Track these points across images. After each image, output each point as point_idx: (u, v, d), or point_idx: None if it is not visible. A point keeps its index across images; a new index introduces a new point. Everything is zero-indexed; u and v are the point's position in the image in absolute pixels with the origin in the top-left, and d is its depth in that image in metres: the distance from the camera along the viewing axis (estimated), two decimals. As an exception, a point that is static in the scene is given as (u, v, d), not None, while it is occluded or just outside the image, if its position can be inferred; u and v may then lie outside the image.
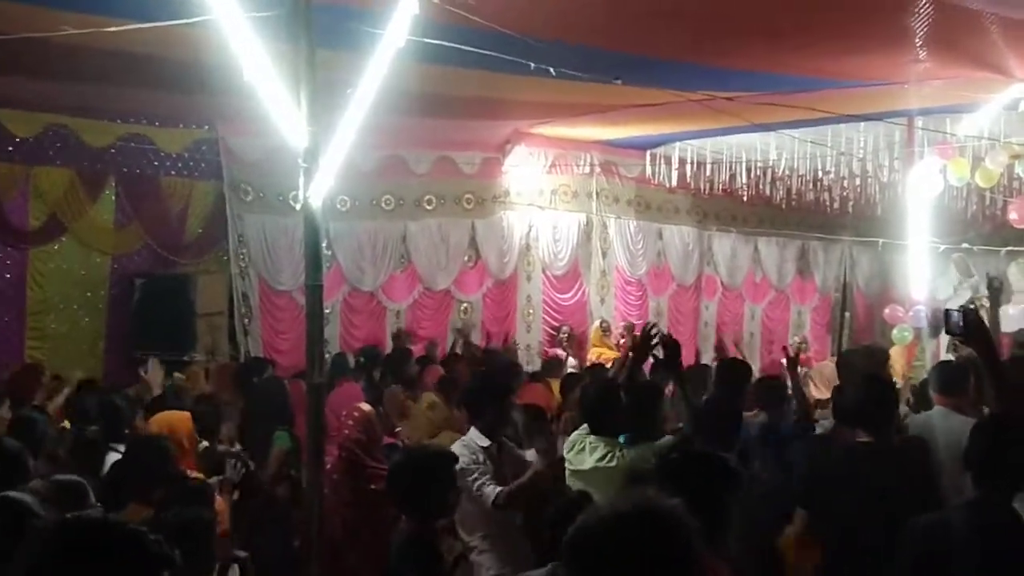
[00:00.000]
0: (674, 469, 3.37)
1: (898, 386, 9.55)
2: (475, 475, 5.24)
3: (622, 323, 14.58)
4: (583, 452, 5.33)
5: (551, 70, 7.73)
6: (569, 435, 5.85)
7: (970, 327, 4.22)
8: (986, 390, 4.72)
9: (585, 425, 5.56)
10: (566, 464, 5.38)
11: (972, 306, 5.05)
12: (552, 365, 11.24)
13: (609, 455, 5.22)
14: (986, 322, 4.44)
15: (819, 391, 8.80)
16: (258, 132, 9.34)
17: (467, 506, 5.14)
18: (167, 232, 11.12)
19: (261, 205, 11.42)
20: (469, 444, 5.40)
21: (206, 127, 11.12)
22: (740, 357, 11.73)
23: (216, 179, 11.27)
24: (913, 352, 12.42)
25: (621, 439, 5.32)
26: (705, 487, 3.13)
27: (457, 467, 4.78)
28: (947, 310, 4.39)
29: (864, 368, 7.11)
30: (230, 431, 7.28)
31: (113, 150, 10.66)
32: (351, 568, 5.71)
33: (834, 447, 5.38)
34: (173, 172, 11.13)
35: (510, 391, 6.08)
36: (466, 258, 13.59)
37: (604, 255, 15.17)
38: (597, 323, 14.27)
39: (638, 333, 12.33)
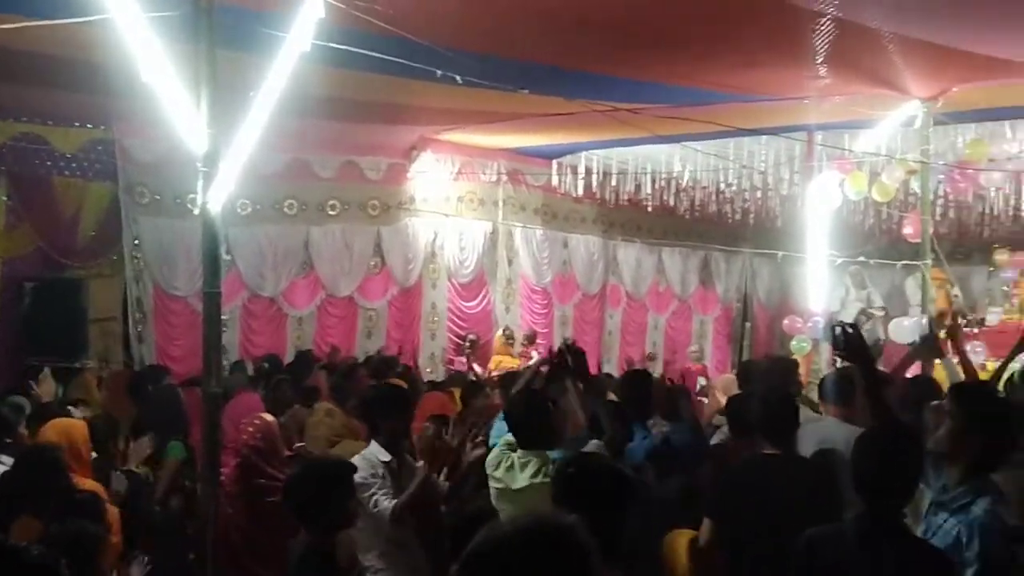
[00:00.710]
0: (570, 482, 3.34)
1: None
2: (372, 490, 5.12)
3: (525, 332, 14.62)
4: (512, 470, 5.12)
5: (457, 78, 7.68)
6: (473, 442, 5.80)
7: (850, 344, 4.35)
8: (859, 404, 4.85)
9: (506, 440, 5.43)
10: (491, 483, 5.23)
11: (854, 322, 5.22)
12: (455, 380, 11.18)
13: (542, 470, 5.02)
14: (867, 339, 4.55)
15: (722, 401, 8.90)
16: (156, 133, 9.10)
17: (362, 523, 5.03)
18: (59, 234, 10.76)
19: (157, 208, 11.12)
20: (369, 458, 5.28)
21: (102, 127, 10.80)
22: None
23: (111, 180, 10.94)
24: (810, 362, 12.68)
25: (552, 454, 5.19)
26: (602, 499, 3.10)
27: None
28: (832, 326, 4.49)
29: (769, 379, 7.20)
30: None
31: (4, 149, 10.28)
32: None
33: (746, 457, 5.41)
34: (67, 172, 10.78)
35: (409, 405, 5.98)
36: (371, 264, 13.46)
37: (510, 263, 15.18)
38: (500, 331, 14.29)
39: (540, 342, 12.35)
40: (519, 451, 5.16)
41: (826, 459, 5.20)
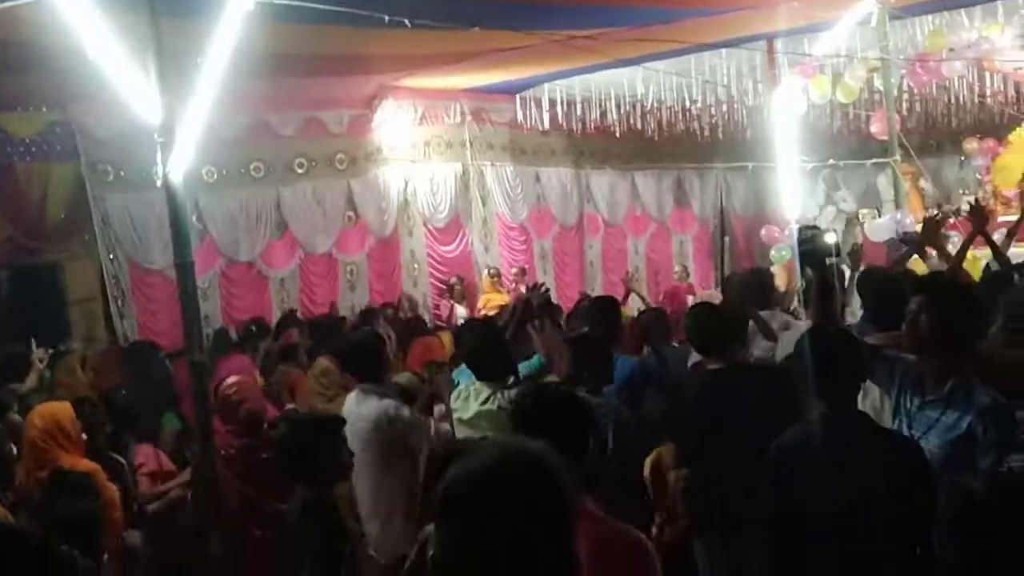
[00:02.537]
0: (528, 411, 3.36)
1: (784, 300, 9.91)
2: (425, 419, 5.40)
3: (513, 269, 14.64)
4: (468, 400, 5.33)
5: (406, 22, 7.60)
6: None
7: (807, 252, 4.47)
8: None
9: (465, 371, 5.61)
10: (453, 415, 5.37)
11: (815, 226, 5.31)
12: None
13: (491, 398, 5.22)
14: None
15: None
16: (111, 110, 8.96)
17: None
18: (27, 220, 10.61)
19: (123, 184, 10.98)
20: (389, 394, 5.46)
21: (57, 109, 10.65)
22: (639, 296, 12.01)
23: (74, 161, 10.79)
24: (790, 270, 12.73)
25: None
26: (562, 427, 3.09)
27: (407, 417, 5.10)
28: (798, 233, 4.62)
29: (746, 292, 7.26)
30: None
31: (-39, 141, 10.16)
32: (256, 540, 5.62)
33: (697, 375, 5.53)
34: (28, 158, 10.60)
35: (383, 347, 6.04)
36: (345, 218, 13.41)
37: (484, 203, 15.12)
38: (486, 272, 14.29)
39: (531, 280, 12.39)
40: (477, 383, 5.31)
41: (777, 368, 5.34)
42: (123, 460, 5.96)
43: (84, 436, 5.62)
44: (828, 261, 4.80)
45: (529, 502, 1.85)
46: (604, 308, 6.88)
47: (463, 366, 5.99)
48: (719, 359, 5.11)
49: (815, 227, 4.63)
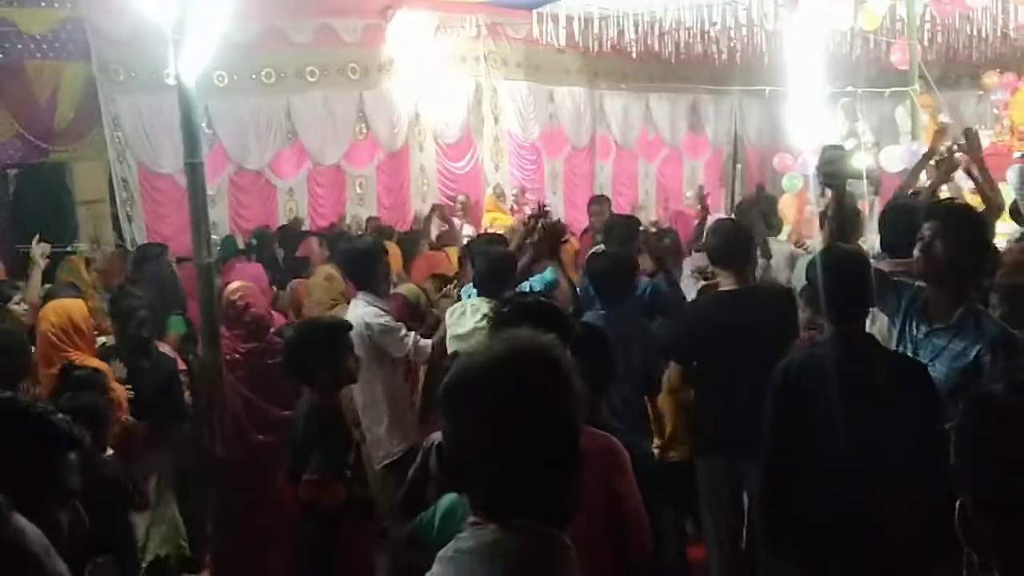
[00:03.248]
0: (505, 317, 3.36)
1: (789, 231, 9.85)
2: (403, 331, 5.46)
3: (515, 189, 14.53)
4: (464, 315, 5.34)
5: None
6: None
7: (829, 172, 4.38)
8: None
9: (473, 292, 5.60)
10: (448, 330, 5.39)
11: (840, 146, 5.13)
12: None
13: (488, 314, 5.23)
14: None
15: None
16: (125, 7, 8.84)
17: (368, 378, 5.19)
18: (38, 119, 10.55)
19: (135, 85, 10.87)
20: (378, 304, 5.46)
21: (69, 5, 10.51)
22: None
23: (85, 60, 10.69)
24: (804, 197, 12.63)
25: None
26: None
27: (382, 324, 5.13)
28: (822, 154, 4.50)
29: (749, 218, 7.22)
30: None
31: (-28, 36, 10.05)
32: (258, 444, 5.67)
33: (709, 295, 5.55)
34: (39, 55, 10.53)
35: (382, 256, 6.05)
36: (356, 131, 13.30)
37: (496, 120, 15.00)
38: (491, 190, 14.21)
39: (530, 197, 12.30)
40: (475, 299, 5.33)
41: (782, 289, 5.36)
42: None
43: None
44: (850, 185, 4.71)
45: (536, 388, 1.82)
46: (625, 226, 6.96)
47: (470, 285, 6.02)
48: (735, 276, 5.10)
49: (840, 147, 4.48)
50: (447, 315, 5.53)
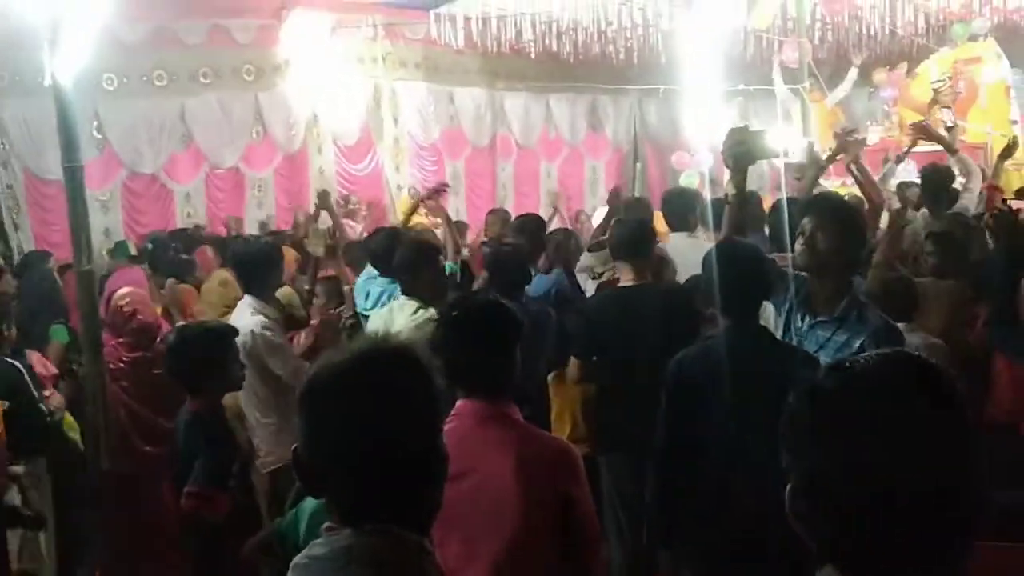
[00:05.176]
0: (455, 318, 3.30)
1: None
2: (288, 350, 5.40)
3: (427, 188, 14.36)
4: (392, 312, 5.26)
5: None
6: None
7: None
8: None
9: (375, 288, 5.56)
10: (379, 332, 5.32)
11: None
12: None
13: (419, 310, 5.14)
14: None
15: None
16: (2, 10, 8.57)
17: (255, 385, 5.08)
18: (-83, 125, 10.20)
19: (17, 89, 10.52)
20: (266, 312, 5.35)
21: (-55, 8, 10.12)
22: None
23: (-34, 65, 10.35)
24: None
25: None
26: (490, 338, 3.05)
27: (268, 339, 5.14)
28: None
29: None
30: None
31: None
32: (144, 455, 5.52)
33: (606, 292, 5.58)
34: (-82, 62, 10.16)
35: (278, 261, 5.97)
36: (253, 133, 13.08)
37: (396, 122, 14.90)
38: (406, 192, 13.97)
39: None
40: (401, 297, 5.27)
41: (681, 286, 5.41)
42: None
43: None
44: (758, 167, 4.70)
45: (391, 389, 1.78)
46: (529, 225, 6.95)
47: (368, 272, 5.98)
48: (634, 272, 5.14)
49: (747, 127, 4.30)
50: (372, 317, 5.47)
